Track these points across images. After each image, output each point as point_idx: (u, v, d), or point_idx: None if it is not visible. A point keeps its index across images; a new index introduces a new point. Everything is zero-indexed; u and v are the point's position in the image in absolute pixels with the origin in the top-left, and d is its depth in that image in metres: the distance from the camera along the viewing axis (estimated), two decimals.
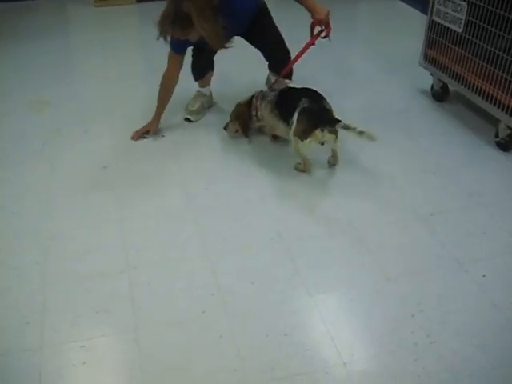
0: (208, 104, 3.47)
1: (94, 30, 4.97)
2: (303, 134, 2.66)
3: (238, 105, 3.12)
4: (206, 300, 2.12)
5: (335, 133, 2.64)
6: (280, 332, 2.00)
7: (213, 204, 2.66)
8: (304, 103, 2.69)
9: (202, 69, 3.32)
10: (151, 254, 2.36)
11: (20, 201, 2.69)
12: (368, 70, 4.05)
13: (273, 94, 2.99)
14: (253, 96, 3.08)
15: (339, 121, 2.61)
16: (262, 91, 3.09)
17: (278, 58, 3.19)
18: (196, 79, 3.36)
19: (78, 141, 3.17)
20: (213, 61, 3.31)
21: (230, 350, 1.93)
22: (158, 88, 3.11)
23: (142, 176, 2.88)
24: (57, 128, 3.29)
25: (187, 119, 3.33)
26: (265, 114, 3.00)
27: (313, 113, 2.68)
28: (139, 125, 3.18)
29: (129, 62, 4.32)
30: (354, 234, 2.45)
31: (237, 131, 3.13)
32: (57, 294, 2.16)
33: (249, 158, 2.99)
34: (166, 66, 3.08)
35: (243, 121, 3.08)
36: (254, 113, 3.05)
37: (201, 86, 3.41)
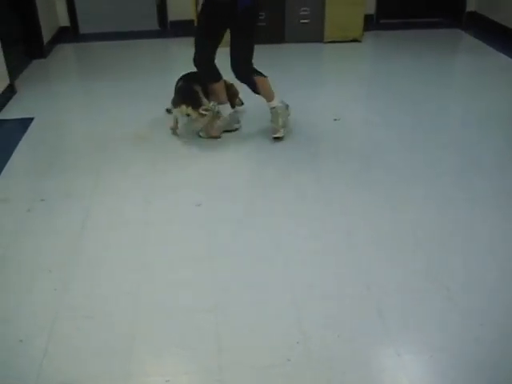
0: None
1: None
2: (173, 104, 3.66)
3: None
4: (291, 347, 2.09)
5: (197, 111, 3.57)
6: None
7: (301, 248, 2.66)
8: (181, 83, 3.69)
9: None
10: (238, 294, 2.37)
11: (118, 229, 2.81)
12: (466, 126, 3.96)
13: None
14: None
15: (201, 105, 3.56)
16: None
17: (234, 66, 3.56)
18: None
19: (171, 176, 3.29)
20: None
21: None
22: None
23: (232, 215, 2.92)
24: (153, 161, 3.43)
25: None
26: None
27: (181, 91, 3.66)
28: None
29: None
30: (446, 292, 2.36)
31: None
32: (145, 327, 2.21)
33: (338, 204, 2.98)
34: None
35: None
36: None
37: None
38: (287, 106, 3.74)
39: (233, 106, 3.89)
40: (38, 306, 2.33)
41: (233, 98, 3.93)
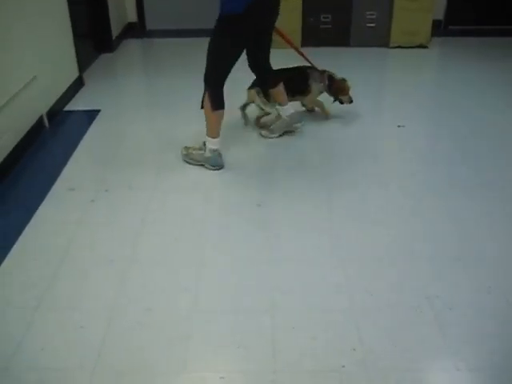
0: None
1: None
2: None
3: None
4: (346, 354, 2.07)
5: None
6: None
7: (360, 255, 2.63)
8: None
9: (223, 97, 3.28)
10: (295, 298, 2.36)
11: (179, 226, 2.85)
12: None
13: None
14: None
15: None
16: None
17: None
18: (220, 108, 3.26)
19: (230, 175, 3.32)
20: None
21: None
22: None
23: (295, 216, 2.91)
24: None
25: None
26: None
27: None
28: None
29: None
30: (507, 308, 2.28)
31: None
32: (203, 323, 2.23)
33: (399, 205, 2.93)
34: None
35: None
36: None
37: (217, 136, 3.33)
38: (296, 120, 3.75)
39: (340, 102, 3.93)
40: (99, 294, 2.39)
41: (337, 92, 3.90)
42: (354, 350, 2.09)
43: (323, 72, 3.86)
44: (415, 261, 2.58)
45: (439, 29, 6.09)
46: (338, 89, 3.87)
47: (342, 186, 3.19)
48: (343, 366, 2.02)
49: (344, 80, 3.87)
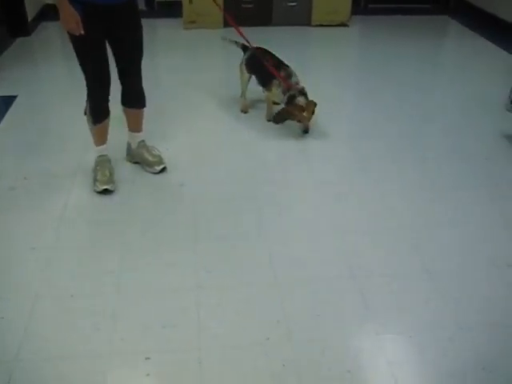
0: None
1: (181, 51, 5.16)
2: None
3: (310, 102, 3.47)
4: (271, 327, 2.12)
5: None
6: (343, 368, 1.97)
7: (287, 229, 2.68)
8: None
9: (104, 110, 2.92)
10: (219, 275, 2.39)
11: (101, 210, 2.80)
12: (452, 111, 3.99)
13: (288, 67, 3.62)
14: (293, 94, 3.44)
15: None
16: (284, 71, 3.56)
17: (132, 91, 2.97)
18: (96, 122, 2.93)
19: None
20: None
21: (293, 380, 1.92)
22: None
23: (218, 198, 2.93)
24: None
25: (106, 190, 2.92)
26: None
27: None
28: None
29: (210, 82, 4.43)
30: (429, 278, 2.39)
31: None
32: (127, 305, 2.22)
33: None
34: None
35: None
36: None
37: (101, 144, 3.03)
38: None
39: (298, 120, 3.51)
40: (20, 284, 2.33)
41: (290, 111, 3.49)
42: (278, 322, 2.14)
43: (289, 86, 3.49)
44: (337, 233, 2.66)
45: (359, 7, 6.20)
46: (294, 109, 3.46)
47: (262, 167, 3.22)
48: (268, 339, 2.07)
49: (311, 103, 3.46)
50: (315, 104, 3.47)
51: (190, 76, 4.53)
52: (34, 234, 2.63)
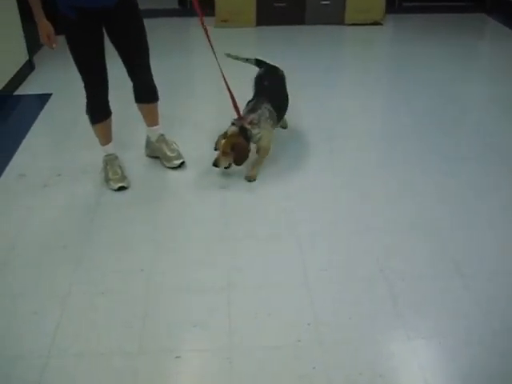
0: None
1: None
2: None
3: (229, 137, 2.85)
4: (301, 329, 2.10)
5: None
6: (375, 372, 1.94)
7: (319, 230, 2.65)
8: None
9: (102, 109, 2.94)
10: (251, 275, 2.38)
11: (133, 207, 2.82)
12: (493, 114, 3.91)
13: (266, 108, 2.97)
14: (235, 125, 2.89)
15: None
16: (246, 117, 2.92)
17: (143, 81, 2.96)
18: (94, 122, 2.96)
19: None
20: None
21: (322, 383, 1.90)
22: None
23: (249, 194, 2.92)
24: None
25: (122, 187, 2.94)
26: (269, 130, 2.98)
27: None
28: None
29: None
30: (463, 281, 2.34)
31: (230, 164, 2.94)
32: (158, 303, 2.23)
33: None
34: None
35: (243, 151, 2.88)
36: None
37: (106, 144, 3.02)
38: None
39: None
40: (52, 280, 2.36)
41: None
42: (309, 324, 2.11)
43: (239, 116, 2.96)
44: (368, 234, 2.62)
45: (393, 6, 6.12)
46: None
47: (294, 165, 3.20)
48: (299, 341, 2.04)
49: (231, 138, 2.87)
50: (235, 144, 2.85)
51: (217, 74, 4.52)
52: (66, 231, 2.66)
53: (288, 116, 3.42)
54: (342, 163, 3.22)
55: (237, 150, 2.87)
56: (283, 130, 3.45)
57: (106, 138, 3.02)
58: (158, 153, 3.19)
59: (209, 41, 2.92)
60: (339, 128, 3.64)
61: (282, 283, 2.33)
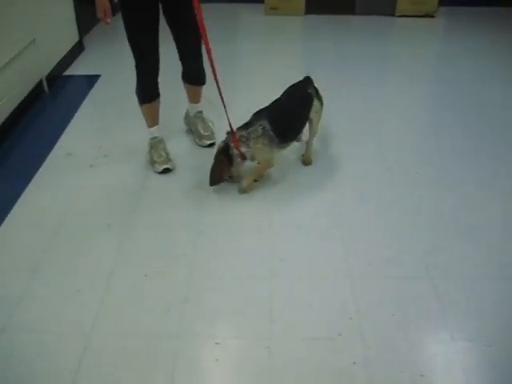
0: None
1: (262, 36, 5.13)
2: None
3: (216, 155, 2.74)
4: (343, 322, 2.07)
5: None
6: (416, 371, 1.90)
7: (363, 224, 2.62)
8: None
9: (151, 90, 2.96)
10: (293, 265, 2.36)
11: (178, 191, 2.82)
12: None
13: (260, 125, 2.68)
14: (225, 142, 2.72)
15: None
16: (236, 133, 2.70)
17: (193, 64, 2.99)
18: (143, 102, 2.98)
19: None
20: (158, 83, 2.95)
21: (362, 379, 1.87)
22: None
23: (296, 185, 2.89)
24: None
25: (166, 169, 2.95)
26: (261, 149, 2.71)
27: None
28: None
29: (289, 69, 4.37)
30: (508, 283, 2.27)
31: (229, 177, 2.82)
32: (200, 289, 2.23)
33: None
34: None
35: (215, 170, 2.73)
36: (237, 153, 2.70)
37: (152, 126, 3.04)
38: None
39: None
40: (96, 259, 2.38)
41: None
42: (351, 318, 2.08)
43: (232, 134, 2.73)
44: (414, 231, 2.57)
45: None
46: None
47: (343, 159, 3.15)
48: (339, 335, 2.02)
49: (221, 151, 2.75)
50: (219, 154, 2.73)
51: (266, 62, 4.49)
52: (110, 211, 2.69)
53: (331, 118, 3.36)
54: (390, 160, 3.16)
55: (212, 168, 2.74)
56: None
57: (152, 119, 3.04)
58: (192, 127, 3.25)
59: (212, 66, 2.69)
60: (387, 125, 3.58)
61: (325, 275, 2.31)
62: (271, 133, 2.69)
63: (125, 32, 2.77)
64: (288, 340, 2.00)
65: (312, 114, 2.92)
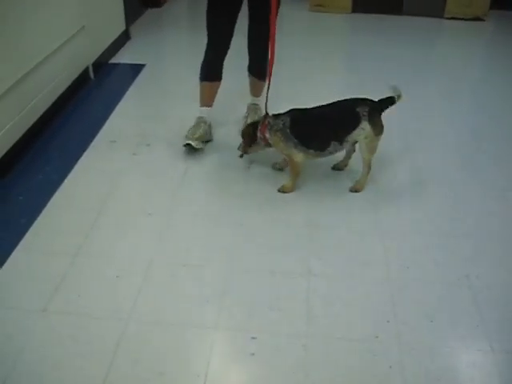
0: (208, 136, 3.13)
1: (306, 33, 5.10)
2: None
3: (247, 125, 2.97)
4: (380, 325, 2.05)
5: None
6: (453, 380, 1.88)
7: (403, 227, 2.59)
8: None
9: (215, 70, 3.06)
10: (332, 265, 2.35)
11: (219, 181, 2.82)
12: None
13: (282, 120, 2.72)
14: (259, 120, 2.84)
15: None
16: (268, 118, 2.77)
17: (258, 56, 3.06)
18: (203, 79, 3.08)
19: None
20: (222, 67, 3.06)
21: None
22: None
23: (339, 188, 2.87)
24: None
25: (188, 145, 2.99)
26: (278, 142, 2.75)
27: None
28: None
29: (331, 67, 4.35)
30: None
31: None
32: (238, 283, 2.24)
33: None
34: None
35: (246, 141, 2.87)
36: (261, 137, 2.80)
37: (204, 105, 3.12)
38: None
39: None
40: (136, 246, 2.41)
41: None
42: (388, 321, 2.06)
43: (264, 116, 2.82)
44: (456, 238, 2.52)
45: (499, 1, 5.81)
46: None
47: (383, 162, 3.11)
48: (376, 337, 2.00)
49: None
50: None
51: (307, 59, 4.47)
52: (151, 200, 2.71)
53: None
54: (430, 164, 3.11)
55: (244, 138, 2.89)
56: None
57: (207, 99, 3.11)
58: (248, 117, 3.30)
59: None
60: (428, 127, 3.53)
61: (363, 276, 2.29)
62: (288, 130, 2.70)
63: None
64: (324, 339, 1.99)
65: (358, 137, 2.69)
